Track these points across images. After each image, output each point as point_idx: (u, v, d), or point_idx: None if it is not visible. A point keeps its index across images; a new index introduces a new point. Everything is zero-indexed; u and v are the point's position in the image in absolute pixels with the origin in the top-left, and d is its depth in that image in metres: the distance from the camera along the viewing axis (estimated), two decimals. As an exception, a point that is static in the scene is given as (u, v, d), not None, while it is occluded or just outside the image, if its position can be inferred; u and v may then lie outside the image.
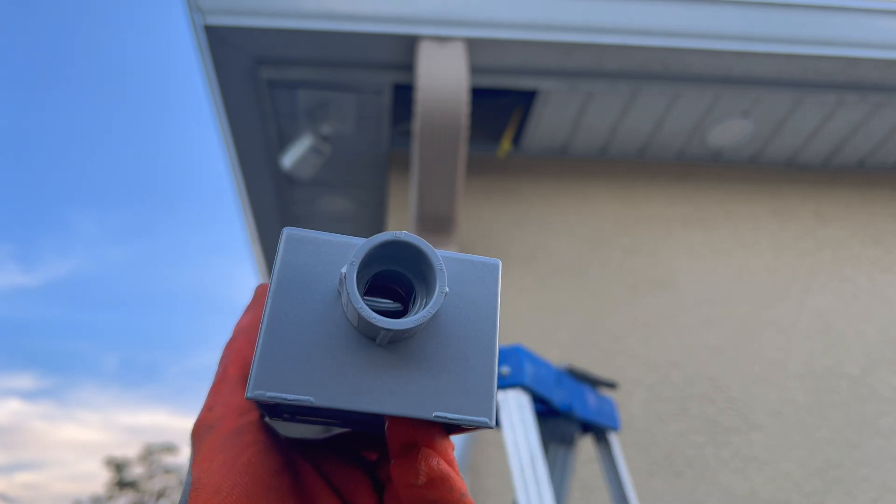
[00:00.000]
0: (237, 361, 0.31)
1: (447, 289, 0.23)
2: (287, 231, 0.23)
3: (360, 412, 0.23)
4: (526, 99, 2.18)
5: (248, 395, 0.22)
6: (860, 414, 2.11)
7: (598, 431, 1.33)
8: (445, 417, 0.24)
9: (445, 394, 0.24)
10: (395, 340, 0.23)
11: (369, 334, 0.23)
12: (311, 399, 0.22)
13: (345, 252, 0.24)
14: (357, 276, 0.22)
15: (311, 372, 0.22)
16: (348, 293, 0.22)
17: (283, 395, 0.22)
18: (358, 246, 0.22)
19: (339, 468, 0.31)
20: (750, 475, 2.02)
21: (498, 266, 0.26)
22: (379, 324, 0.22)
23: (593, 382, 1.33)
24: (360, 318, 0.22)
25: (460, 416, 0.24)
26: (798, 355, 2.15)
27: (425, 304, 0.23)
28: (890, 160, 2.40)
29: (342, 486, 0.30)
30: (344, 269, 0.22)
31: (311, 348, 0.23)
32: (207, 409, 0.29)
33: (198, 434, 0.28)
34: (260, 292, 0.33)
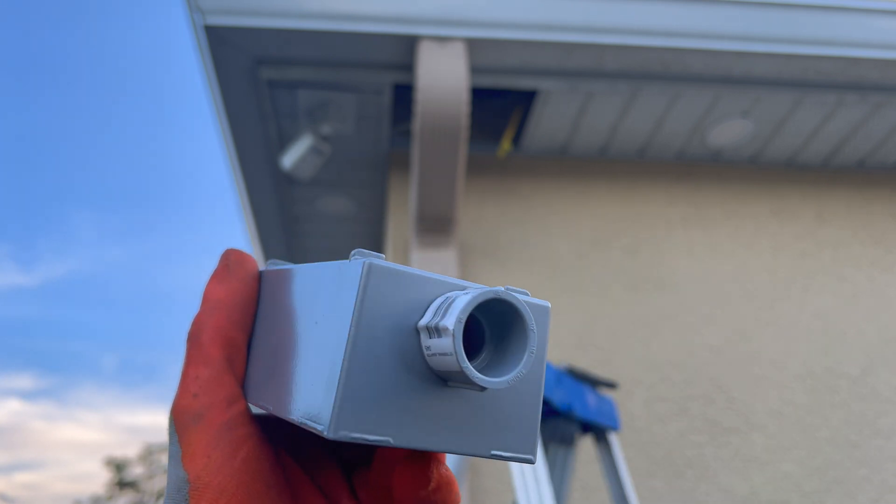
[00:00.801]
0: (217, 340, 0.28)
1: (535, 349, 0.23)
2: (370, 263, 0.23)
3: (435, 450, 0.23)
4: (526, 99, 2.17)
5: (330, 435, 0.21)
6: (860, 414, 2.11)
7: (598, 431, 1.33)
8: (500, 456, 0.25)
9: (498, 432, 0.25)
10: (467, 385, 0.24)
11: (443, 377, 0.23)
12: (391, 440, 0.22)
13: (426, 288, 0.24)
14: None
15: (389, 412, 0.22)
16: (455, 349, 0.21)
17: (365, 437, 0.22)
18: (464, 301, 0.22)
19: (318, 464, 0.30)
20: (750, 475, 2.02)
21: (548, 309, 0.26)
22: (480, 382, 0.22)
23: (593, 382, 1.33)
24: (459, 372, 0.22)
25: (512, 454, 0.25)
26: (798, 355, 2.16)
27: (500, 358, 0.24)
28: (890, 160, 2.40)
29: (323, 482, 0.30)
30: (450, 325, 0.22)
31: (389, 387, 0.22)
32: (191, 395, 0.27)
33: (182, 422, 0.26)
34: (235, 259, 0.31)
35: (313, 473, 0.30)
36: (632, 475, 1.94)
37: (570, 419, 1.23)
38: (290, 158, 2.06)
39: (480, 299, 0.22)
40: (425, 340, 0.23)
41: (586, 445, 1.77)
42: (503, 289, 0.23)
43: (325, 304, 0.24)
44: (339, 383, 0.22)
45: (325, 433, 0.21)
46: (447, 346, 0.22)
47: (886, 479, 2.04)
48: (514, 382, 0.23)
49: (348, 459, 0.31)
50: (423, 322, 0.23)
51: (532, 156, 2.35)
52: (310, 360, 0.24)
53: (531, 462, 0.26)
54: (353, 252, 0.24)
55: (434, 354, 0.23)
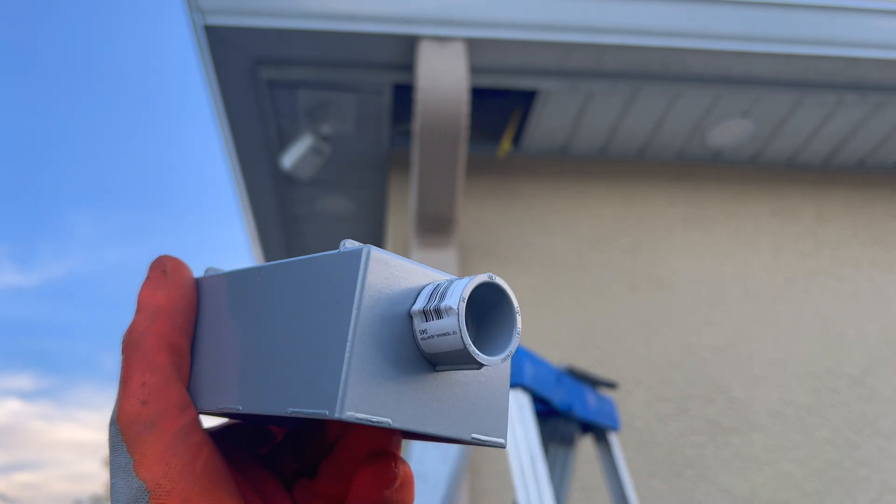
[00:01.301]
0: (164, 347, 0.28)
1: (520, 329, 0.25)
2: (370, 249, 0.24)
3: (420, 433, 0.24)
4: (526, 99, 2.17)
5: (336, 416, 0.22)
6: (860, 414, 2.11)
7: (598, 431, 1.33)
8: (479, 440, 0.26)
9: (476, 417, 0.26)
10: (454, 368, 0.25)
11: (434, 361, 0.25)
12: (390, 422, 0.23)
13: (413, 277, 0.25)
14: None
15: (388, 394, 0.23)
16: (459, 327, 0.23)
17: (369, 417, 0.22)
18: (462, 285, 0.23)
19: (257, 476, 0.30)
20: (750, 475, 2.02)
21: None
22: (480, 359, 0.23)
23: (593, 382, 1.33)
24: (460, 350, 0.23)
25: (489, 438, 0.26)
26: (798, 355, 2.15)
27: (483, 339, 0.25)
28: (890, 160, 2.40)
29: (256, 485, 0.30)
30: (454, 305, 0.23)
31: (387, 370, 0.23)
32: (139, 402, 0.26)
33: (132, 430, 0.26)
34: (172, 266, 0.30)
35: (254, 485, 0.29)
36: (632, 475, 1.93)
37: (570, 419, 1.23)
38: (290, 158, 2.05)
39: (478, 282, 0.24)
40: (420, 325, 0.24)
41: (586, 445, 1.77)
42: (495, 276, 0.24)
43: (312, 295, 0.25)
44: (345, 364, 0.22)
45: (331, 414, 0.22)
46: (450, 326, 0.23)
47: (886, 479, 2.04)
48: (505, 360, 0.24)
49: (283, 472, 0.31)
50: (417, 307, 0.24)
51: (532, 156, 2.35)
52: (298, 351, 0.25)
53: (503, 446, 0.27)
54: (342, 242, 0.25)
55: (431, 337, 0.24)
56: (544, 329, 2.11)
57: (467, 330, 0.24)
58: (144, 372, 0.27)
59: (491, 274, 0.24)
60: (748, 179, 2.40)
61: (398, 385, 0.24)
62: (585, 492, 1.92)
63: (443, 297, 0.24)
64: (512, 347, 0.24)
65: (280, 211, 2.65)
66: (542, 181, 2.32)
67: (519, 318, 0.25)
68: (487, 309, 0.25)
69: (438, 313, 0.23)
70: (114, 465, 0.26)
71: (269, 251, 2.99)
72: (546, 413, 1.20)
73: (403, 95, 2.09)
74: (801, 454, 2.05)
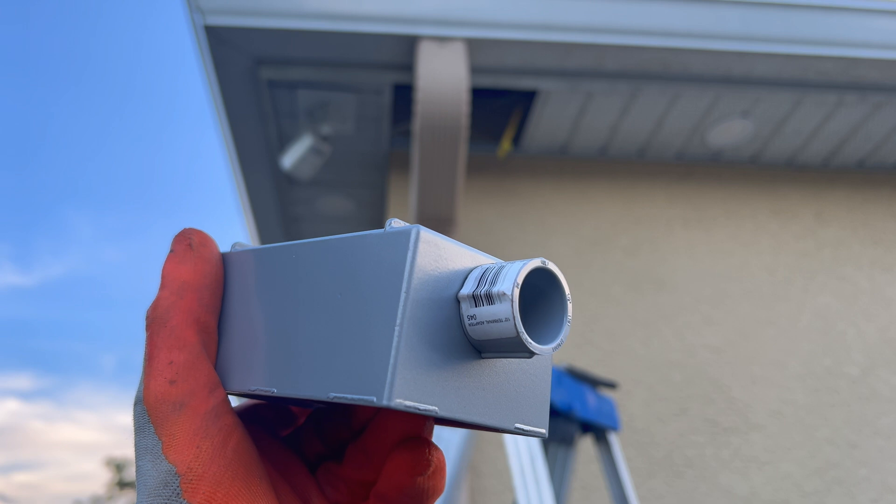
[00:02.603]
0: (192, 324, 0.27)
1: (570, 318, 0.24)
2: (419, 230, 0.23)
3: (467, 422, 0.24)
4: (526, 99, 2.18)
5: (384, 403, 0.21)
6: (860, 414, 2.11)
7: (598, 431, 1.33)
8: (521, 429, 0.25)
9: (518, 406, 0.25)
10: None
11: (481, 348, 0.24)
12: (437, 409, 0.22)
13: (461, 260, 0.24)
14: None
15: (435, 381, 0.22)
16: (513, 314, 0.22)
17: (417, 405, 0.22)
18: (516, 269, 0.22)
19: (283, 459, 0.29)
20: (750, 475, 2.02)
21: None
22: (532, 347, 0.22)
23: (593, 382, 1.33)
24: (512, 338, 0.22)
25: (531, 428, 0.26)
26: (798, 355, 2.16)
27: (530, 328, 0.24)
28: (890, 160, 2.40)
29: (281, 467, 0.29)
30: (508, 290, 0.22)
31: (436, 356, 0.23)
32: (167, 382, 0.25)
33: (160, 411, 0.25)
34: (198, 240, 0.29)
35: (279, 468, 0.29)
36: (632, 475, 1.94)
37: (571, 419, 1.23)
38: (290, 158, 2.05)
39: (532, 267, 0.23)
40: (468, 310, 0.23)
41: (586, 445, 1.77)
42: (548, 261, 0.23)
43: (356, 275, 0.24)
44: (394, 350, 0.21)
45: (379, 401, 0.21)
46: (502, 312, 0.22)
47: (886, 479, 2.04)
48: (556, 349, 0.23)
49: (306, 455, 0.30)
50: (465, 291, 0.23)
51: (532, 156, 2.35)
52: (340, 334, 0.24)
53: (544, 436, 0.26)
54: (388, 221, 0.24)
55: (480, 322, 0.23)
56: (544, 329, 2.10)
57: (560, 331, 0.24)
58: (171, 350, 0.26)
59: (544, 259, 0.23)
60: (748, 179, 2.40)
61: (444, 372, 0.23)
62: (585, 492, 1.92)
63: (494, 281, 0.23)
64: (563, 336, 0.23)
65: (280, 211, 2.65)
66: (542, 181, 2.32)
67: (570, 306, 0.24)
68: (536, 295, 0.24)
69: (490, 298, 0.22)
70: (140, 447, 0.25)
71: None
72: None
73: (403, 95, 2.09)
74: (800, 454, 2.05)
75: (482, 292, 0.23)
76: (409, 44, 1.85)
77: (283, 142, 2.22)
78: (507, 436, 1.02)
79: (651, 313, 2.16)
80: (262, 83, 1.97)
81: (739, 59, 1.95)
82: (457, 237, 2.09)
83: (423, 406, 0.22)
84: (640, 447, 2.00)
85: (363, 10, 1.81)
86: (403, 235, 0.23)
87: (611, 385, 1.37)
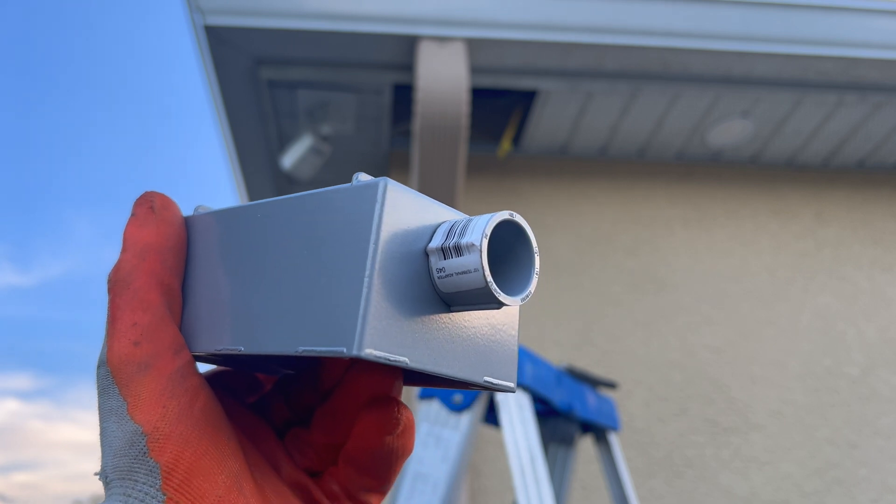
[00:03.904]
0: (155, 287, 0.26)
1: (538, 270, 0.24)
2: (389, 184, 0.23)
3: (436, 375, 0.24)
4: (526, 99, 2.18)
5: (354, 353, 0.21)
6: (860, 414, 2.11)
7: (598, 431, 1.33)
8: (490, 383, 0.25)
9: (487, 360, 0.25)
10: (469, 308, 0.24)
11: (450, 301, 0.24)
12: (407, 360, 0.22)
13: (434, 216, 0.24)
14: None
15: (405, 333, 0.22)
16: (482, 265, 0.22)
17: (387, 356, 0.22)
18: (484, 221, 0.23)
19: (239, 412, 0.29)
20: (750, 475, 2.02)
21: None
22: (501, 298, 0.22)
23: (593, 382, 1.33)
24: (481, 289, 0.22)
25: (500, 382, 0.26)
26: (798, 355, 2.16)
27: (499, 280, 0.24)
28: (890, 160, 2.40)
29: (248, 431, 0.29)
30: (476, 241, 0.22)
31: (405, 309, 0.23)
32: (131, 343, 0.25)
33: (124, 372, 0.24)
34: (160, 203, 0.28)
35: (246, 432, 0.29)
36: (632, 475, 1.94)
37: (570, 419, 1.23)
38: (290, 158, 2.05)
39: (500, 219, 0.23)
40: (437, 262, 0.23)
41: (586, 445, 1.77)
42: (515, 213, 0.24)
43: (323, 230, 0.24)
44: (363, 301, 0.21)
45: (349, 352, 0.21)
46: (471, 263, 0.22)
47: (886, 479, 2.04)
48: (525, 300, 0.23)
49: (274, 421, 0.30)
50: (434, 244, 0.23)
51: (532, 156, 2.35)
52: (309, 289, 0.24)
53: (512, 390, 0.26)
54: (354, 175, 0.24)
55: (449, 275, 0.23)
56: (544, 329, 2.11)
57: (527, 282, 0.24)
58: (135, 311, 0.25)
59: (511, 212, 0.23)
60: (748, 179, 2.40)
61: (414, 324, 0.23)
62: (585, 492, 1.92)
63: (462, 233, 0.23)
64: (531, 288, 0.24)
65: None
66: (542, 181, 2.32)
67: (538, 259, 0.24)
68: (504, 249, 0.25)
69: (458, 250, 0.23)
70: (104, 408, 0.25)
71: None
72: (546, 413, 1.20)
73: (403, 95, 2.09)
74: (800, 454, 2.05)
75: (451, 244, 0.23)
76: (409, 44, 1.85)
77: (283, 142, 2.22)
78: (506, 436, 1.02)
79: (651, 313, 2.16)
80: (262, 83, 1.97)
81: (739, 59, 1.95)
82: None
83: (392, 357, 0.22)
84: (640, 447, 2.00)
85: (363, 11, 1.81)
86: (371, 188, 0.23)
87: (611, 385, 1.37)
